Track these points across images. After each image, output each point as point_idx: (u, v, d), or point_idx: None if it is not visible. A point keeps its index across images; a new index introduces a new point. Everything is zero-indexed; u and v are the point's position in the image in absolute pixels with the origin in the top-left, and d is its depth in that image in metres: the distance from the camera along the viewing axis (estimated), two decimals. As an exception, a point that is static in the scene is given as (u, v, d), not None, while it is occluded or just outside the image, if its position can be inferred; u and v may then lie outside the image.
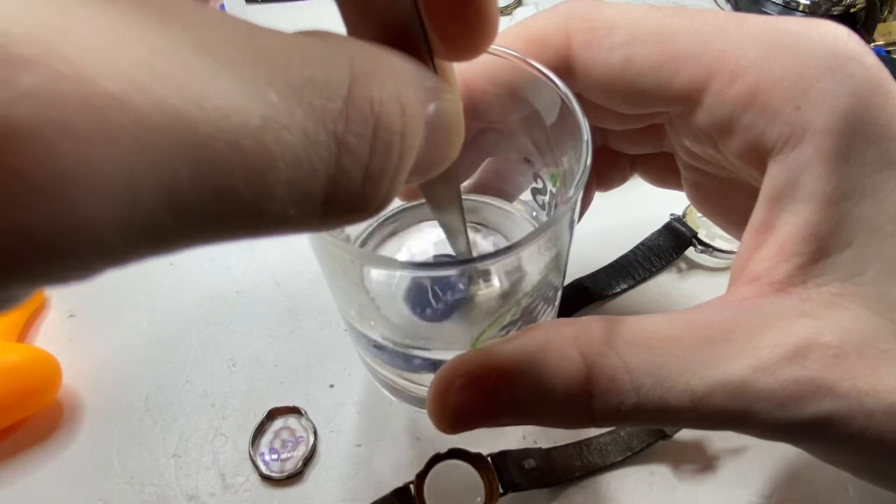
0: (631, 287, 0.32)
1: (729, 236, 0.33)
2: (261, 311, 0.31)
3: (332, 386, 0.28)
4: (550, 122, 0.21)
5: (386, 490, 0.25)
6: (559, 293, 0.23)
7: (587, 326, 0.16)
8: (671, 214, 0.33)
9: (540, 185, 0.24)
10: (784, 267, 0.16)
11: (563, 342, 0.16)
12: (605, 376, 0.15)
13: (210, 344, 0.30)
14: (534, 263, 0.22)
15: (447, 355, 0.17)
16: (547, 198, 0.24)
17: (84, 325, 0.31)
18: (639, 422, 0.16)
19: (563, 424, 0.17)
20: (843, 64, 0.16)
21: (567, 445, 0.26)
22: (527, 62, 0.20)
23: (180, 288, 0.32)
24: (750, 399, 0.15)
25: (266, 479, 0.25)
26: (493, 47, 0.21)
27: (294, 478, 0.26)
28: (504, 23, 0.49)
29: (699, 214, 0.34)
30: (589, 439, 0.26)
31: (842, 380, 0.15)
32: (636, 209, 0.33)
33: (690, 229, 0.32)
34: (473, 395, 0.16)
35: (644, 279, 0.32)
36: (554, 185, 0.23)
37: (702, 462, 0.26)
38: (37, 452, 0.26)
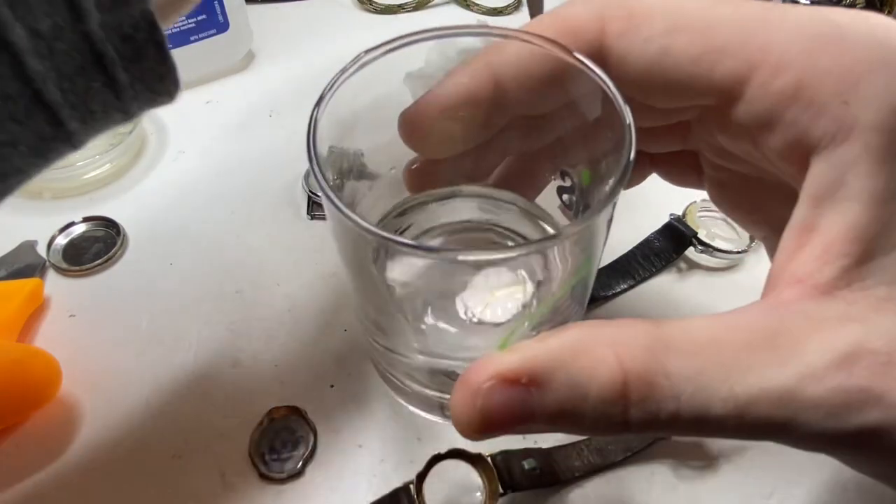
0: (631, 287, 0.32)
1: (729, 236, 0.33)
2: (261, 311, 0.31)
3: (332, 386, 0.28)
4: (585, 114, 0.20)
5: (386, 490, 0.25)
6: (588, 293, 0.22)
7: (625, 329, 0.16)
8: (671, 214, 0.33)
9: (567, 183, 0.23)
10: (829, 269, 0.16)
11: (598, 344, 0.15)
12: (643, 382, 0.15)
13: (210, 344, 0.30)
14: (566, 261, 0.22)
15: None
16: (575, 196, 0.23)
17: (84, 325, 0.31)
18: (677, 431, 0.15)
19: (596, 432, 0.16)
20: (893, 59, 0.16)
21: (567, 445, 0.26)
22: (563, 50, 0.19)
23: (180, 288, 0.32)
24: (796, 408, 0.14)
25: (266, 479, 0.25)
26: (525, 35, 0.20)
27: (294, 478, 0.26)
28: (503, 23, 0.49)
29: (699, 214, 0.34)
30: (589, 439, 0.26)
31: (891, 389, 0.14)
32: (636, 209, 0.33)
33: (690, 229, 0.32)
34: (503, 398, 0.15)
35: (644, 279, 0.32)
36: (586, 181, 0.22)
37: (702, 462, 0.26)
38: (36, 452, 0.26)
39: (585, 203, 0.22)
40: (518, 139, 0.23)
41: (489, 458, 0.25)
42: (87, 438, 0.27)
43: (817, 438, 0.15)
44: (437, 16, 0.50)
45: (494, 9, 0.50)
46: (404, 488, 0.24)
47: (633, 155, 0.17)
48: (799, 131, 0.17)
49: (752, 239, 0.33)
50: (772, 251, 0.22)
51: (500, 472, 0.25)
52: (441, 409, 0.23)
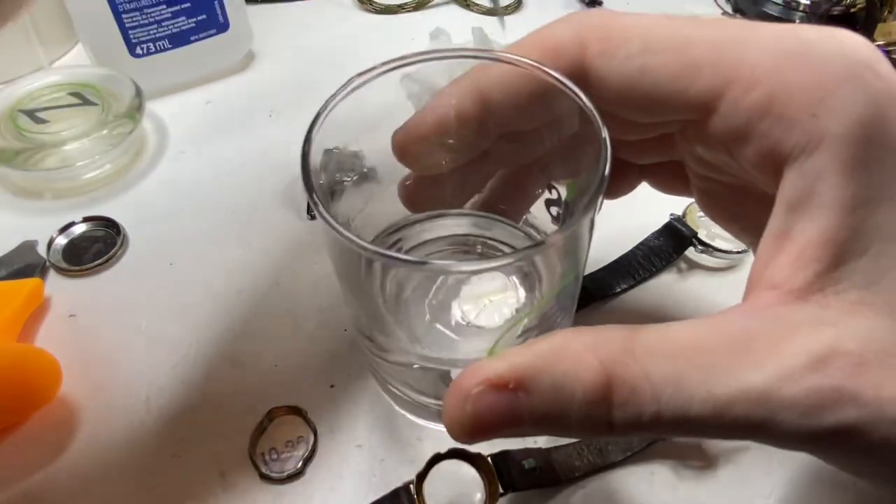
0: (631, 287, 0.32)
1: (729, 236, 0.33)
2: (261, 311, 0.31)
3: (332, 386, 0.28)
4: (567, 130, 0.21)
5: (386, 490, 0.25)
6: (575, 302, 0.23)
7: (606, 334, 0.16)
8: (671, 214, 0.33)
9: (554, 196, 0.24)
10: (803, 275, 0.16)
11: (582, 350, 0.16)
12: (625, 385, 0.15)
13: (210, 344, 0.30)
14: (552, 269, 0.22)
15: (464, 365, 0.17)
16: (561, 209, 0.24)
17: (84, 325, 0.31)
18: (659, 431, 0.16)
19: (581, 434, 0.16)
20: (859, 73, 0.17)
21: (567, 445, 0.26)
22: (544, 70, 0.20)
23: (180, 288, 0.32)
24: (773, 408, 0.15)
25: (266, 479, 0.25)
26: (509, 56, 0.21)
27: (294, 478, 0.26)
28: (503, 22, 0.49)
29: (699, 214, 0.34)
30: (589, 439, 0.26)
31: (864, 388, 0.15)
32: (636, 209, 0.33)
33: (690, 229, 0.32)
34: (492, 402, 0.16)
35: (644, 279, 0.32)
36: (570, 195, 0.23)
37: (702, 462, 0.26)
38: (36, 452, 0.26)
39: (571, 214, 0.23)
40: (506, 155, 0.24)
41: (489, 458, 0.25)
42: (87, 438, 0.27)
43: (794, 437, 0.15)
44: (437, 16, 0.50)
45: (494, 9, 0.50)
46: (404, 488, 0.24)
47: (608, 168, 0.18)
48: (771, 143, 0.17)
49: (751, 239, 0.33)
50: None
51: (500, 472, 0.25)
52: (439, 416, 0.24)
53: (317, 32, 0.48)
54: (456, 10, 0.50)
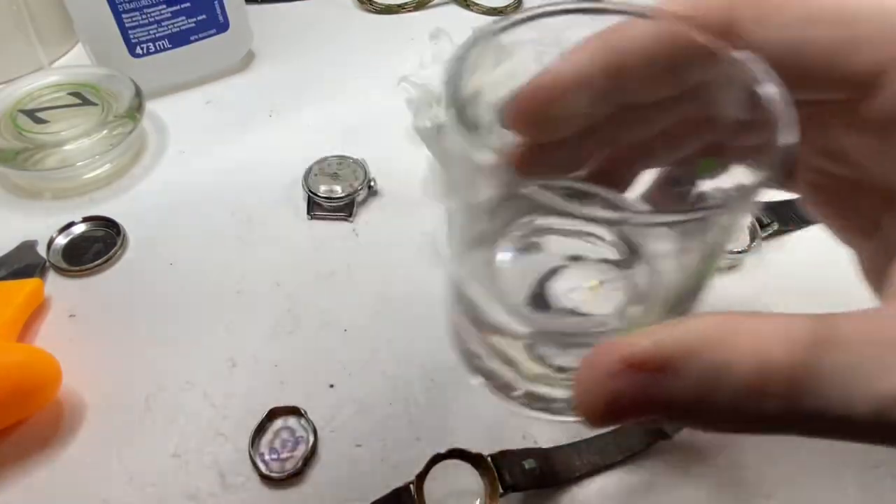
0: (631, 287, 0.31)
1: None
2: (261, 311, 0.31)
3: (332, 386, 0.28)
4: (715, 100, 0.19)
5: (386, 490, 0.25)
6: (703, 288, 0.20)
7: (770, 321, 0.14)
8: (672, 214, 0.33)
9: (677, 174, 0.21)
10: None
11: (739, 334, 0.14)
12: (786, 377, 0.14)
13: (210, 344, 0.30)
14: (700, 249, 0.20)
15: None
16: (686, 187, 0.21)
17: (84, 325, 0.31)
18: (815, 431, 0.14)
19: (727, 427, 0.15)
20: None
21: (567, 445, 0.26)
22: (700, 31, 0.18)
23: (180, 288, 0.32)
24: None
25: (266, 479, 0.25)
26: (660, 12, 0.18)
27: (294, 478, 0.26)
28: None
29: (699, 214, 0.34)
30: (589, 439, 0.26)
31: None
32: (636, 209, 0.33)
33: (691, 229, 0.32)
34: (634, 383, 0.14)
35: (645, 279, 0.32)
36: (704, 173, 0.20)
37: (702, 462, 0.26)
38: (37, 452, 0.26)
39: (699, 195, 0.20)
40: (627, 127, 0.22)
41: (489, 458, 0.25)
42: (87, 438, 0.27)
43: None
44: (437, 16, 0.50)
45: (494, 9, 0.50)
46: (404, 488, 0.24)
47: (796, 138, 0.16)
48: None
49: (752, 239, 0.32)
50: (864, 257, 0.21)
51: (500, 472, 0.25)
52: (528, 398, 0.21)
53: (317, 32, 0.48)
54: (456, 10, 0.50)
